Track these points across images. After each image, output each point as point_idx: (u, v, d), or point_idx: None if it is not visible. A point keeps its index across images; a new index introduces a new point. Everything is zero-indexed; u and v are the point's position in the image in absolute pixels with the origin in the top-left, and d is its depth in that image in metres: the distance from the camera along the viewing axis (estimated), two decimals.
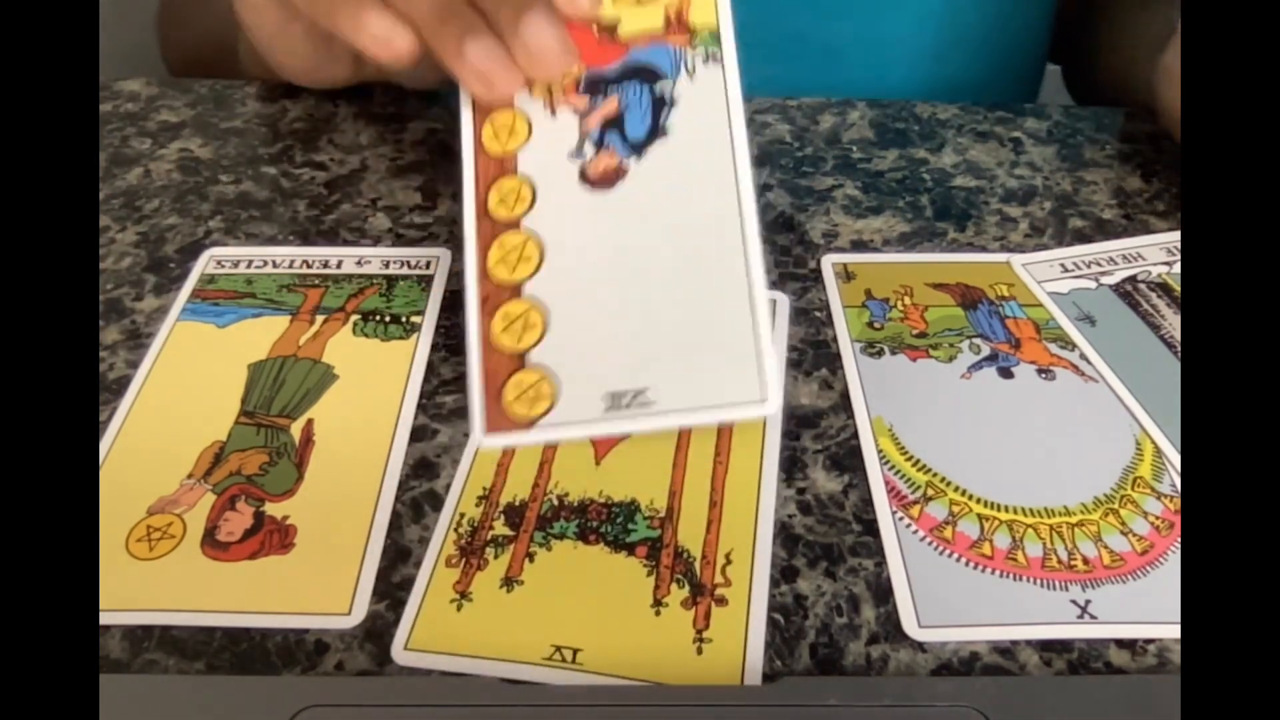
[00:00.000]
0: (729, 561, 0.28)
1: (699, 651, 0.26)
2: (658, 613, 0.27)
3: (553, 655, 0.26)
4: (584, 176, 0.33)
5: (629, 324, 0.31)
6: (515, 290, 0.31)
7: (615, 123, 0.33)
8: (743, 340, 0.30)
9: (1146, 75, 0.43)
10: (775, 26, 0.51)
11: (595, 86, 0.34)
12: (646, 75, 0.34)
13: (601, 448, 0.31)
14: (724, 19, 0.34)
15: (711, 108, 0.33)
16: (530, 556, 0.28)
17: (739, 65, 0.34)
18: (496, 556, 0.28)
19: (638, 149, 0.33)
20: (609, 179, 0.33)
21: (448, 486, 0.30)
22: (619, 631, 0.26)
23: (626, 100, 0.34)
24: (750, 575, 0.28)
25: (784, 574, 0.28)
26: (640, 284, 0.31)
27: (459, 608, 0.27)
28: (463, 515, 0.29)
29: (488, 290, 0.31)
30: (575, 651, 0.26)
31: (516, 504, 0.29)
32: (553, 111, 0.34)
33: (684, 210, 0.32)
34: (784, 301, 0.36)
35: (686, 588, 0.27)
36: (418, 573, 0.28)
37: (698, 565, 0.28)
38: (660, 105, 0.33)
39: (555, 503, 0.29)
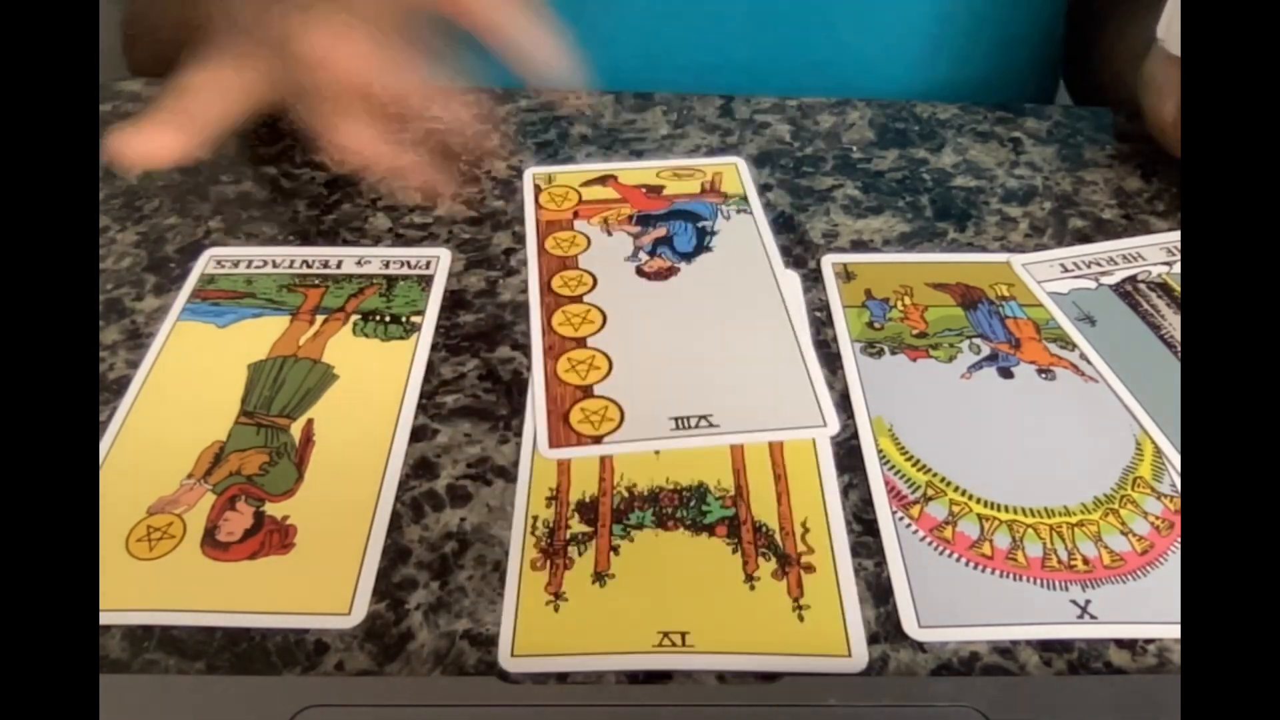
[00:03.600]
0: (806, 530, 0.29)
1: (800, 619, 0.27)
2: (752, 587, 0.28)
3: (662, 642, 0.26)
4: (640, 272, 0.38)
5: (689, 364, 0.34)
6: (580, 342, 0.35)
7: (665, 241, 0.39)
8: (796, 373, 0.33)
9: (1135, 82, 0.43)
10: (754, 49, 0.51)
11: (646, 221, 0.40)
12: (690, 216, 0.40)
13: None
14: (749, 189, 0.42)
15: (747, 234, 0.39)
16: (615, 549, 0.29)
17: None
18: (581, 554, 0.28)
19: (687, 257, 0.38)
20: (662, 275, 0.38)
21: (448, 486, 0.30)
22: (719, 610, 0.27)
23: (674, 229, 0.40)
24: (830, 540, 0.29)
25: None
26: (695, 337, 0.35)
27: (556, 609, 0.27)
28: (535, 517, 0.29)
29: (552, 341, 0.35)
30: (684, 635, 0.26)
31: (588, 500, 0.30)
32: (609, 233, 0.40)
33: (731, 289, 0.37)
34: (795, 280, 0.38)
35: (773, 560, 0.28)
36: (504, 578, 0.28)
37: (778, 537, 0.29)
38: (703, 233, 0.40)
39: (626, 494, 0.30)
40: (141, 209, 0.41)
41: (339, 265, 0.38)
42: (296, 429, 0.32)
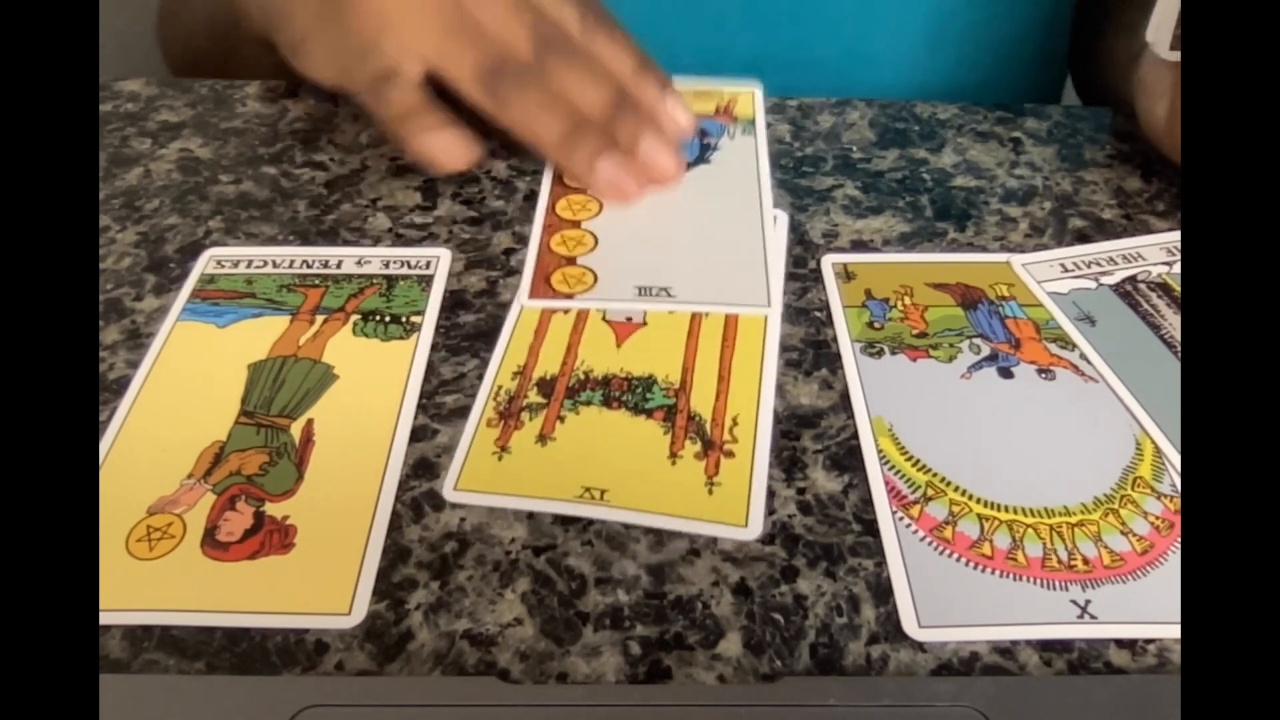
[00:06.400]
0: (735, 424, 0.32)
1: (710, 493, 0.30)
2: (674, 463, 0.31)
3: (583, 494, 0.30)
4: None
5: (663, 245, 0.38)
6: (576, 224, 0.40)
7: None
8: (754, 259, 0.38)
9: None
10: (756, 47, 0.51)
11: None
12: (699, 132, 0.44)
13: (621, 334, 0.35)
14: (759, 114, 0.45)
15: (745, 153, 0.43)
16: (561, 419, 0.32)
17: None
18: (531, 419, 0.32)
19: (686, 166, 0.42)
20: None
21: (449, 486, 0.30)
22: (640, 477, 0.30)
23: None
24: (754, 434, 0.31)
25: (784, 574, 0.28)
26: (673, 226, 0.39)
27: (499, 458, 0.31)
28: (500, 387, 0.33)
29: (551, 221, 0.40)
30: (602, 491, 0.29)
31: (548, 378, 0.33)
32: None
33: (716, 190, 0.41)
34: (783, 217, 0.41)
35: (699, 444, 0.31)
36: (461, 432, 0.32)
37: (708, 426, 0.32)
38: (706, 147, 0.43)
39: (582, 377, 0.33)
40: (141, 209, 0.41)
41: (339, 265, 0.38)
42: (296, 429, 0.32)
